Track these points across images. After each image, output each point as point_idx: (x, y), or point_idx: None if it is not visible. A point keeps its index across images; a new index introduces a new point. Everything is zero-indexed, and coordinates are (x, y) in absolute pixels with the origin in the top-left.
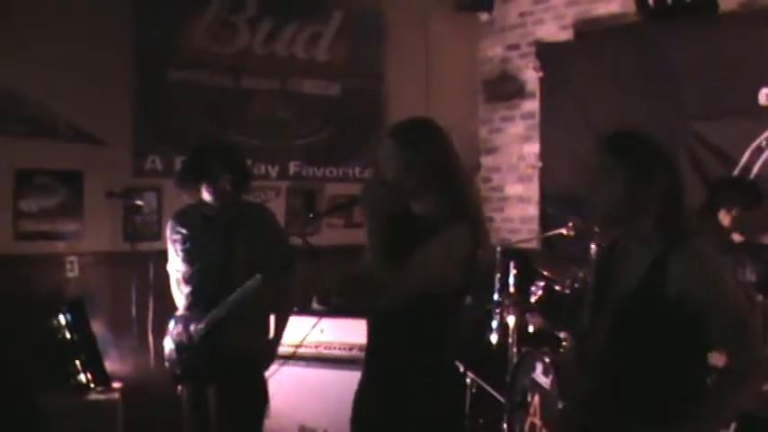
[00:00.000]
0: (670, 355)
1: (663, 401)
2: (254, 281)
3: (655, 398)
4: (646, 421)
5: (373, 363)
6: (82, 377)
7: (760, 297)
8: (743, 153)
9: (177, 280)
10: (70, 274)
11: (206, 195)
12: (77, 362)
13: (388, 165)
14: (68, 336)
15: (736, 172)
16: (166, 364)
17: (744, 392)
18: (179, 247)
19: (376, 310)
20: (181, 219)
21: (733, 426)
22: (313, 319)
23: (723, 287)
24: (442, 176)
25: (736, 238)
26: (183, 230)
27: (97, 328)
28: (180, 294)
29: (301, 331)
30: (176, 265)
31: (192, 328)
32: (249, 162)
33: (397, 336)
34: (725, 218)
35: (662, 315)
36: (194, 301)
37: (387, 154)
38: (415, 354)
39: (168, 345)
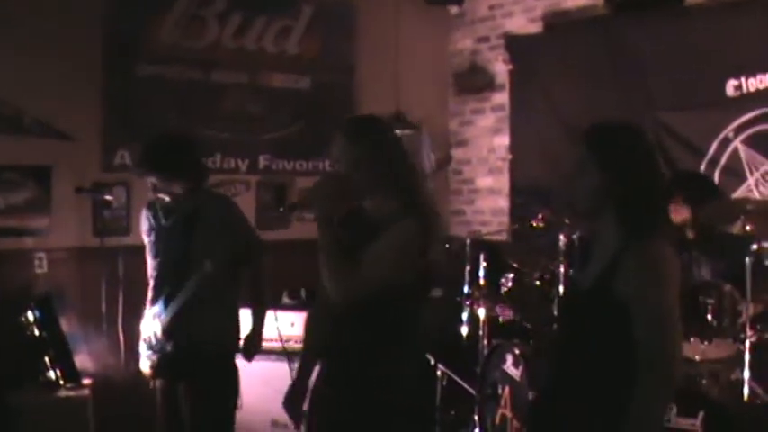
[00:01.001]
0: (616, 352)
1: (609, 395)
2: (206, 267)
3: (602, 391)
4: (596, 414)
5: (331, 358)
6: (51, 374)
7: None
8: (710, 144)
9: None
10: (39, 271)
11: (160, 185)
12: (47, 358)
13: (340, 161)
14: (37, 332)
15: (703, 163)
16: (139, 359)
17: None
18: (147, 239)
19: (332, 306)
20: (149, 211)
21: (701, 414)
22: (284, 314)
23: (658, 290)
24: (390, 174)
25: (690, 235)
26: (151, 223)
27: (66, 324)
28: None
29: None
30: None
31: (157, 321)
32: (219, 156)
33: (354, 331)
34: (675, 214)
35: (610, 314)
36: (157, 295)
37: (338, 150)
38: (371, 347)
39: (142, 338)
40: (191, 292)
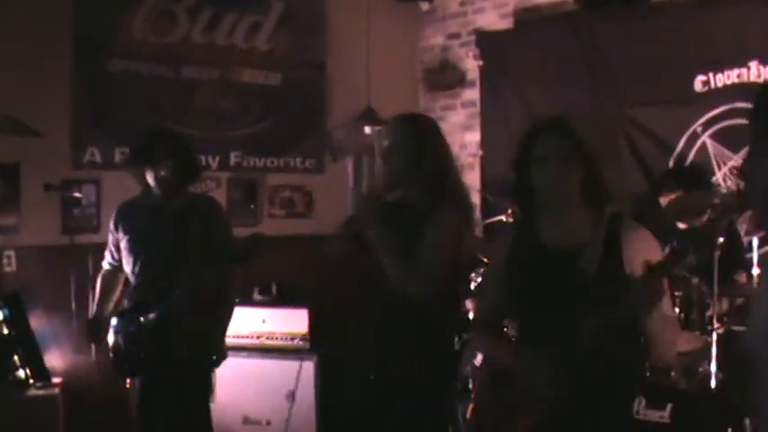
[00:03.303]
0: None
1: (615, 380)
2: (206, 273)
3: (610, 376)
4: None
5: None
6: (20, 373)
7: (696, 280)
8: (679, 139)
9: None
10: (7, 269)
11: (150, 180)
12: (16, 357)
13: (385, 152)
14: (6, 331)
15: (672, 158)
16: (111, 356)
17: None
18: (124, 240)
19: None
20: (126, 212)
21: (669, 406)
22: (255, 310)
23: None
24: (441, 168)
25: (681, 225)
26: (130, 223)
27: (36, 322)
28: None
29: (245, 323)
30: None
31: (142, 319)
32: None
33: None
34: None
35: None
36: (143, 295)
37: (384, 142)
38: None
39: (112, 337)
40: (186, 293)
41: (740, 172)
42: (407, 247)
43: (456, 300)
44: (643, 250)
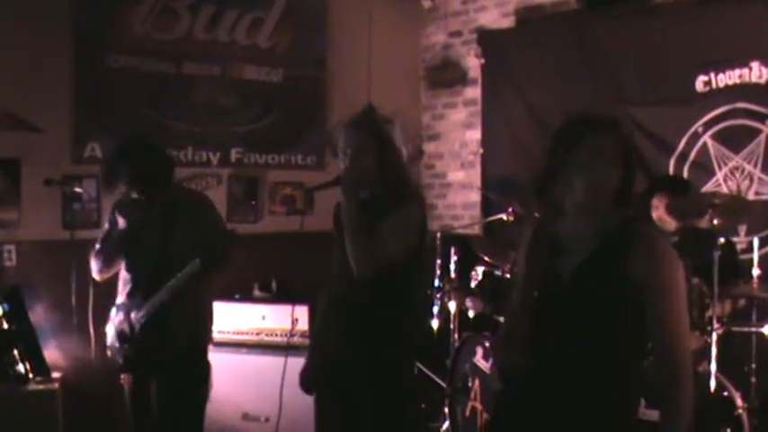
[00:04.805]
0: (622, 339)
1: (611, 386)
2: (192, 265)
3: (605, 381)
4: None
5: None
6: (20, 367)
7: (696, 280)
8: (680, 139)
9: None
10: (8, 264)
11: (132, 194)
12: (16, 352)
13: (351, 151)
14: (6, 326)
15: (673, 158)
16: (108, 353)
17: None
18: (117, 236)
19: (352, 279)
20: (119, 208)
21: None
22: (255, 306)
23: (677, 284)
24: (391, 165)
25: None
26: (123, 219)
27: (36, 317)
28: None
29: (245, 319)
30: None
31: (132, 316)
32: (190, 149)
33: (368, 298)
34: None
35: (623, 300)
36: (134, 289)
37: (348, 140)
38: (385, 310)
39: (110, 333)
40: (174, 287)
41: None
42: (369, 229)
43: (408, 286)
44: (653, 264)
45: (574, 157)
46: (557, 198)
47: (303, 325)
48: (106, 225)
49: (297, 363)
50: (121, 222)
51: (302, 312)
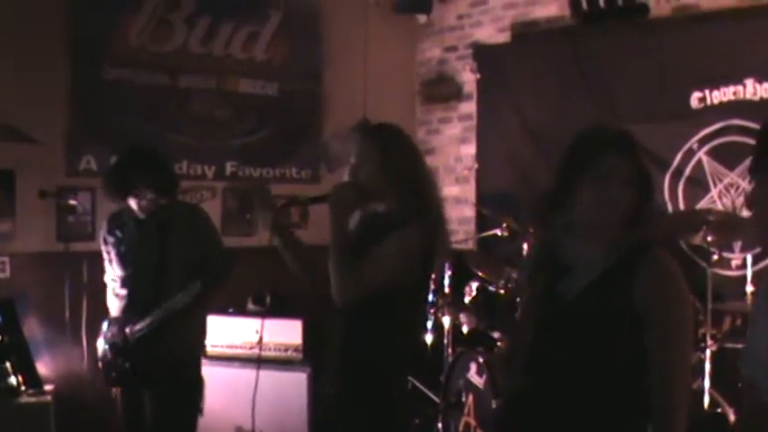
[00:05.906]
0: (624, 358)
1: (612, 405)
2: (194, 287)
3: (606, 401)
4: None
5: (339, 355)
6: (13, 380)
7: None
8: (675, 155)
9: (113, 288)
10: (1, 275)
11: (133, 205)
12: (8, 364)
13: (363, 163)
14: None
15: (668, 174)
16: (100, 365)
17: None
18: (113, 250)
19: (335, 303)
20: (115, 222)
21: None
22: (249, 320)
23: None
24: (406, 178)
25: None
26: (118, 233)
27: (29, 329)
28: (115, 300)
29: (239, 333)
30: (112, 271)
31: (128, 330)
32: (185, 162)
33: (358, 329)
34: None
35: (626, 323)
36: (131, 304)
37: (361, 152)
38: (378, 343)
39: (102, 346)
40: (175, 308)
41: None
42: (363, 249)
43: (390, 315)
44: (659, 289)
45: (586, 174)
46: (566, 216)
47: (296, 339)
48: (107, 248)
49: (291, 377)
50: (113, 243)
51: (296, 326)
